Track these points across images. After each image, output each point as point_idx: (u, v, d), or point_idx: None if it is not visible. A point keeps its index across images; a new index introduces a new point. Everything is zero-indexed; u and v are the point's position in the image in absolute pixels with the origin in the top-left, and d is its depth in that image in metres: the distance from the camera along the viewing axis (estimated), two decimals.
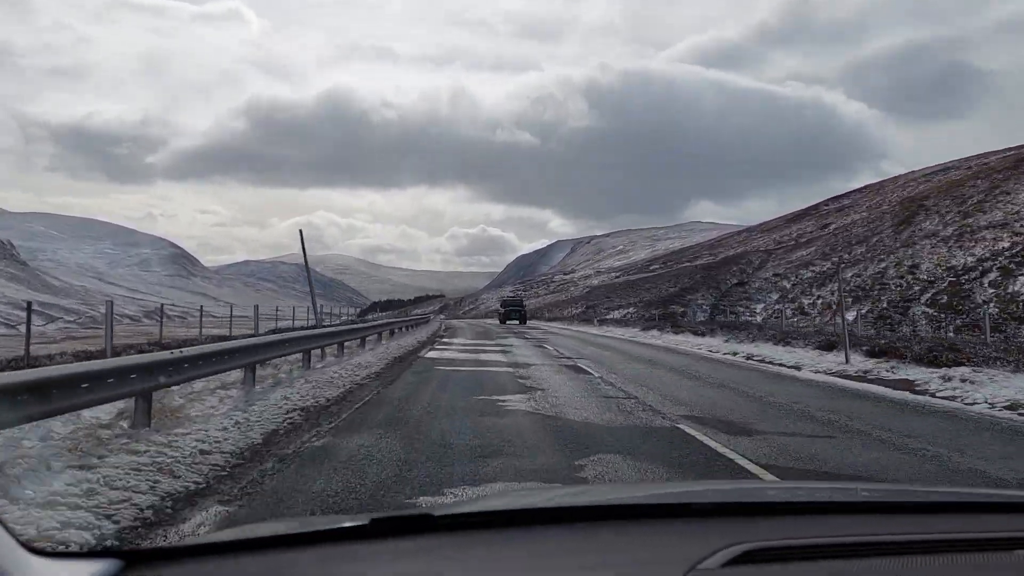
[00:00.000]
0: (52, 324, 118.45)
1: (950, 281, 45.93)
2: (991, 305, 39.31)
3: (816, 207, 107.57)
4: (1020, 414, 10.70)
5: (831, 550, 1.38)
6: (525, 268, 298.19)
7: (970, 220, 55.63)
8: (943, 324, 38.41)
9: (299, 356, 15.82)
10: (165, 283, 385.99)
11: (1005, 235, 49.23)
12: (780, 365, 20.05)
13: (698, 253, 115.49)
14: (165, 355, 8.31)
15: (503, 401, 11.65)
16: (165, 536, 4.71)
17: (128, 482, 5.60)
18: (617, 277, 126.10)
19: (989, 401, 11.75)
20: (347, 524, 1.43)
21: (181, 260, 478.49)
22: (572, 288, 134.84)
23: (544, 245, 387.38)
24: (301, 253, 29.96)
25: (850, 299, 44.95)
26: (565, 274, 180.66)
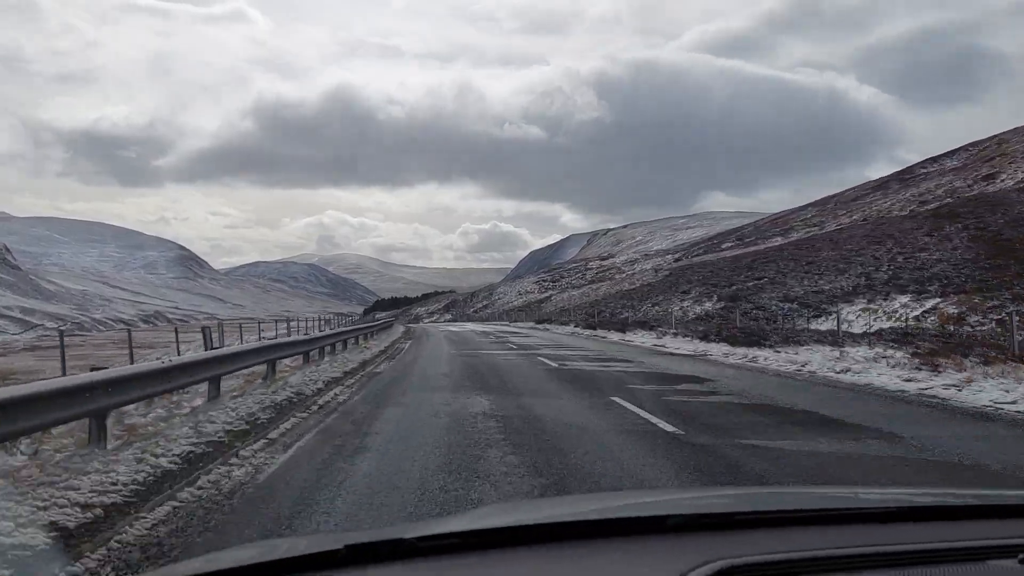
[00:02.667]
0: (30, 332, 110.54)
1: None
2: None
3: (911, 169, 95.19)
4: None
5: (813, 564, 1.35)
6: (540, 263, 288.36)
7: None
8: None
9: None
10: (172, 285, 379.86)
11: None
12: None
13: (758, 233, 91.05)
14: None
15: None
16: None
17: None
18: (678, 259, 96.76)
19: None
20: (319, 550, 1.38)
21: (188, 262, 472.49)
22: (622, 275, 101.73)
23: (557, 240, 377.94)
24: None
25: None
26: (603, 259, 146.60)
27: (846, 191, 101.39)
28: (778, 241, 74.78)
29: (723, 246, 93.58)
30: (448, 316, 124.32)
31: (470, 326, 57.38)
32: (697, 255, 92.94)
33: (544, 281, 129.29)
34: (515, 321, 67.81)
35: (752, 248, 76.10)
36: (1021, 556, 1.36)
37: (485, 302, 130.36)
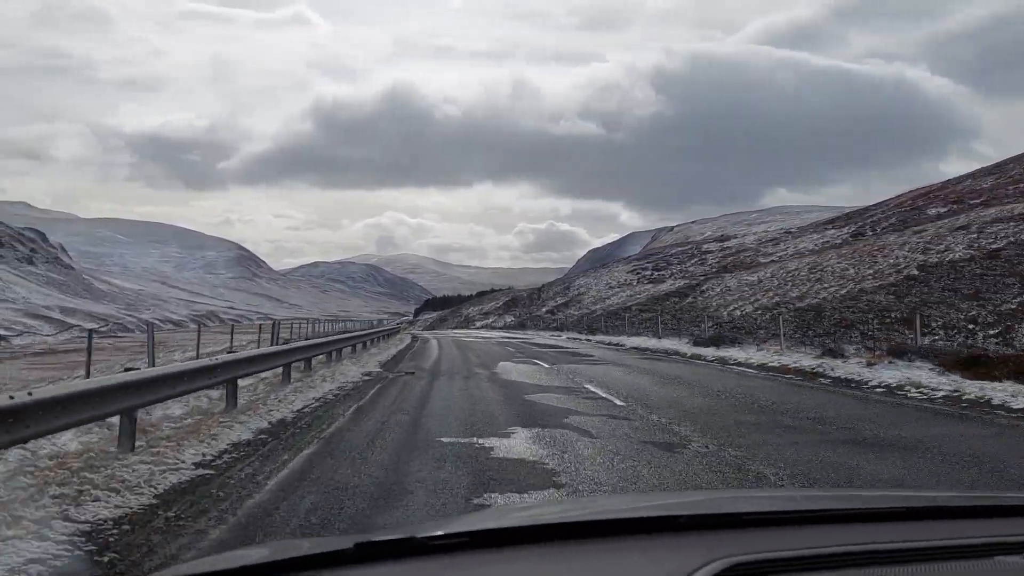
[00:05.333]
0: (64, 333, 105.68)
1: None
2: None
3: None
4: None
5: (818, 561, 1.36)
6: (598, 261, 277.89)
7: None
8: None
9: None
10: (229, 285, 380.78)
11: None
12: None
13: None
14: None
15: None
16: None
17: None
18: (857, 234, 64.81)
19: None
20: (329, 549, 1.40)
21: (246, 262, 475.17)
22: (767, 258, 73.12)
23: (616, 238, 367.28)
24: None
25: None
26: (721, 240, 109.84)
27: None
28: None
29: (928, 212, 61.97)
30: (509, 319, 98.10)
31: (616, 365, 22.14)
32: (887, 229, 62.43)
33: (643, 270, 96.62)
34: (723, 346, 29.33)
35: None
36: None
37: (561, 299, 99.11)
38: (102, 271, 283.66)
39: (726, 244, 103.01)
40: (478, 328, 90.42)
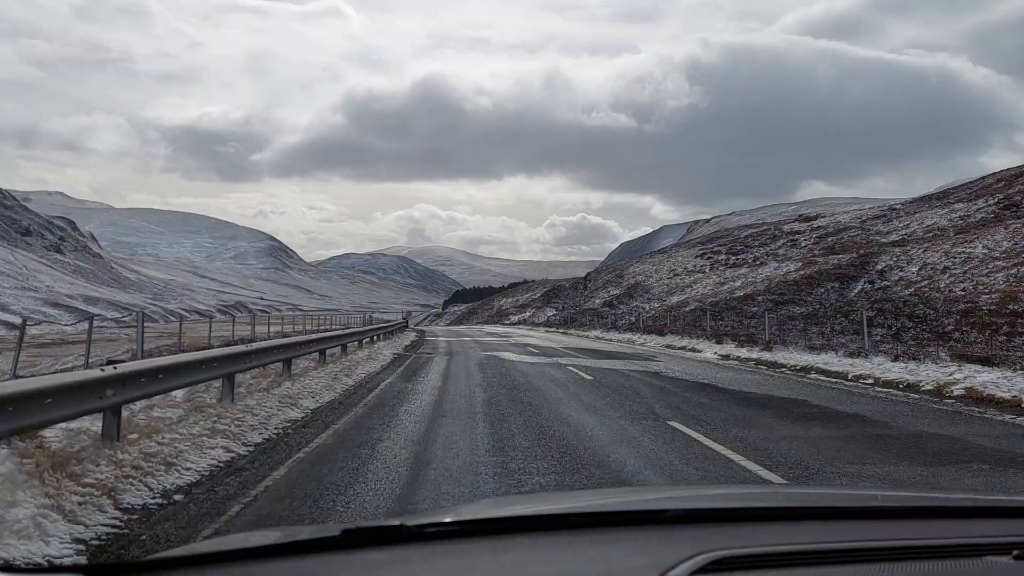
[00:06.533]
0: (83, 323, 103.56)
1: None
2: None
3: None
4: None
5: (803, 557, 1.37)
6: (631, 255, 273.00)
7: None
8: None
9: None
10: (260, 276, 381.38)
11: None
12: None
13: None
14: None
15: None
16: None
17: None
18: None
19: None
20: (317, 536, 1.42)
21: (277, 252, 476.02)
22: (887, 239, 64.62)
23: (648, 231, 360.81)
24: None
25: None
26: (806, 219, 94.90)
27: None
28: None
29: None
30: (550, 312, 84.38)
31: None
32: None
33: (713, 254, 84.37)
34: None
35: None
36: (1016, 552, 1.36)
37: (614, 288, 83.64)
38: (134, 260, 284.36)
39: (815, 224, 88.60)
40: (514, 324, 79.12)
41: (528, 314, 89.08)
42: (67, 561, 3.92)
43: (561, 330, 54.52)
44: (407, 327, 47.39)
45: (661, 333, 34.08)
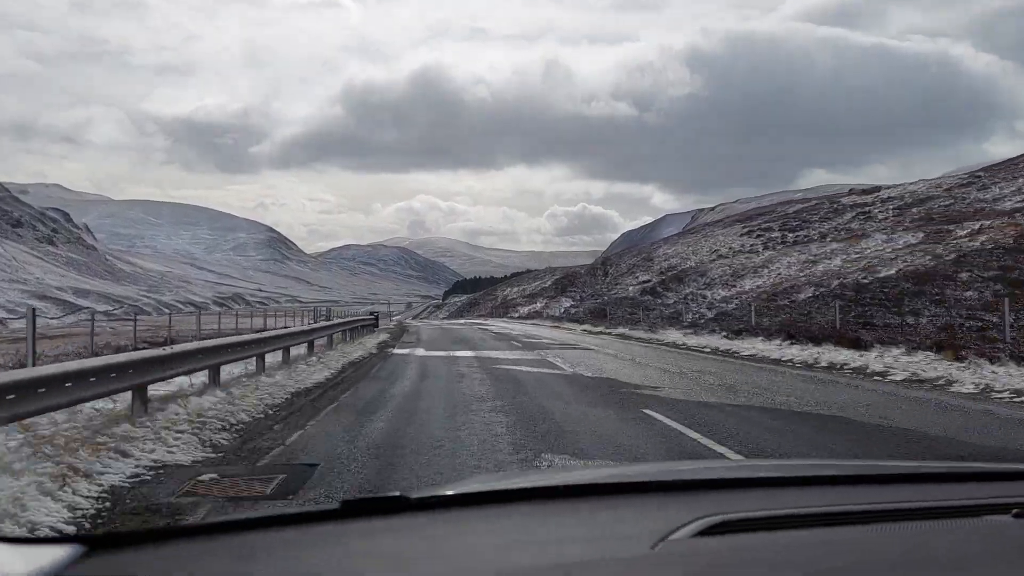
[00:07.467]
0: (70, 316, 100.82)
1: None
2: None
3: None
4: None
5: (800, 520, 1.40)
6: (634, 244, 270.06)
7: None
8: None
9: None
10: (260, 268, 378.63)
11: None
12: None
13: None
14: None
15: None
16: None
17: None
18: None
19: None
20: (318, 509, 1.44)
21: (276, 244, 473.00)
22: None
23: (650, 221, 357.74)
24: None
25: None
26: (867, 192, 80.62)
27: None
28: None
29: None
30: (567, 303, 71.78)
31: None
32: None
33: (764, 231, 73.17)
34: None
35: None
36: (1015, 511, 1.38)
37: (644, 272, 72.98)
38: (131, 252, 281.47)
39: (880, 195, 77.23)
40: (525, 318, 66.61)
41: (539, 305, 77.44)
42: (69, 531, 4.38)
43: (603, 328, 38.88)
44: (376, 327, 37.38)
45: (816, 340, 20.34)
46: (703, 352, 23.02)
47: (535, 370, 16.53)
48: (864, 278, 42.62)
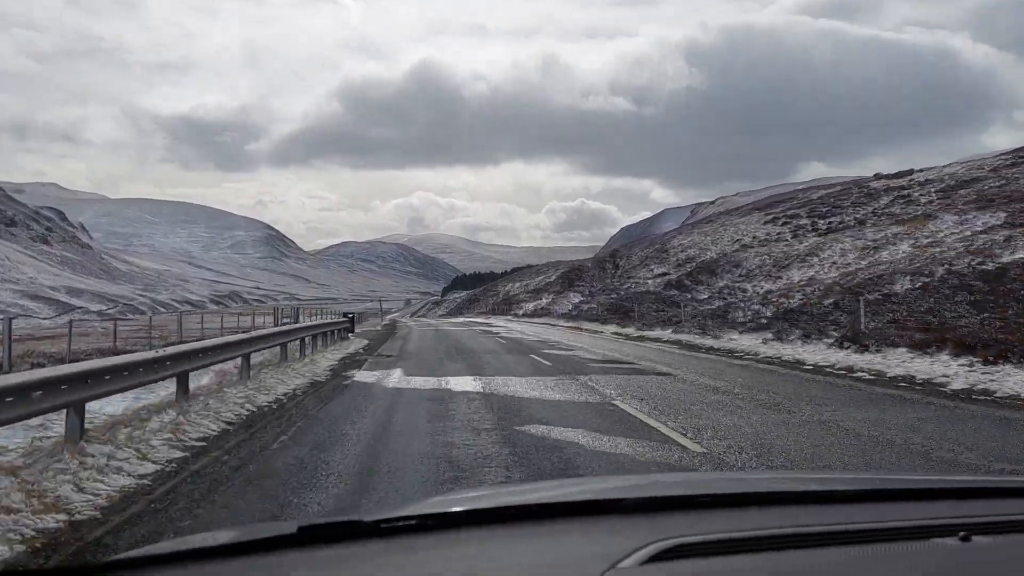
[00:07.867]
0: (64, 316, 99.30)
1: None
2: None
3: None
4: None
5: (755, 543, 1.39)
6: (633, 239, 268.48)
7: None
8: None
9: None
10: (258, 265, 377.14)
11: None
12: None
13: None
14: None
15: None
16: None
17: None
18: None
19: None
20: (274, 533, 1.41)
21: (275, 241, 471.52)
22: None
23: (649, 215, 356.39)
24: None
25: None
26: (899, 176, 72.55)
27: None
28: None
29: None
30: (576, 298, 66.70)
31: None
32: None
33: (791, 219, 67.46)
34: None
35: None
36: (962, 533, 1.40)
37: (658, 264, 68.57)
38: (128, 251, 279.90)
39: (914, 179, 70.72)
40: (530, 316, 61.60)
41: (545, 301, 70.18)
42: (20, 566, 4.04)
43: (636, 331, 33.12)
44: (352, 331, 32.20)
45: (1003, 354, 13.67)
46: (859, 380, 13.71)
47: (619, 451, 7.43)
48: (981, 263, 35.69)
